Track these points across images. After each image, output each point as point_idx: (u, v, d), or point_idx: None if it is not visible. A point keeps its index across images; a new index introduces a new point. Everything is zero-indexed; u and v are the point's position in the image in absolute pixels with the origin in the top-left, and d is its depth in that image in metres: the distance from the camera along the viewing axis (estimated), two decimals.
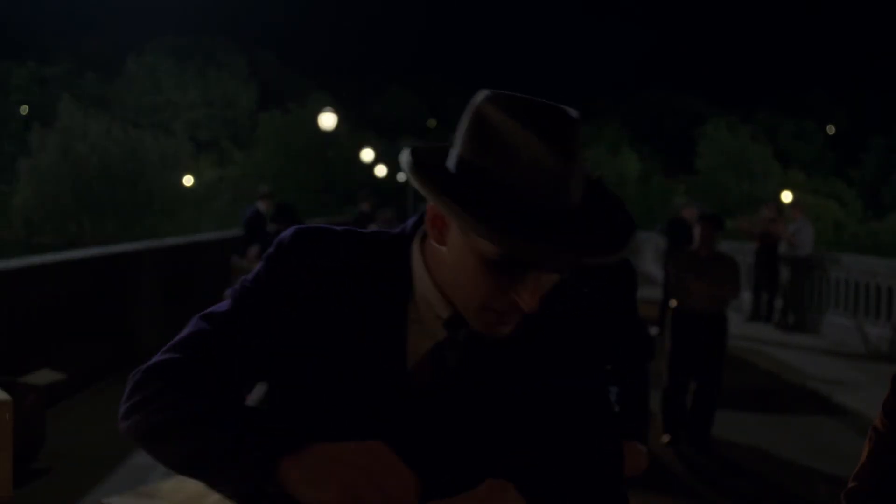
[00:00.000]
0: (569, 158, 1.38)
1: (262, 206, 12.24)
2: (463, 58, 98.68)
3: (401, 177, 58.74)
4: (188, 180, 59.40)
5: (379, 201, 21.08)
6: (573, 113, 1.47)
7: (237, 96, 70.12)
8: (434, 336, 1.54)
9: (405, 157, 1.48)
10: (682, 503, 6.34)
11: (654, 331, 11.50)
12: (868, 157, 69.18)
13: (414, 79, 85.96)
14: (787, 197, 31.66)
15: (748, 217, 18.31)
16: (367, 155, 49.65)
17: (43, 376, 6.99)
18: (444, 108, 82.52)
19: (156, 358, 1.60)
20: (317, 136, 50.85)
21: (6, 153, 62.90)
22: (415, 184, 1.42)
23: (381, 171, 55.19)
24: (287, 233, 1.59)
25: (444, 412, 1.54)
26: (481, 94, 1.45)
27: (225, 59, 71.83)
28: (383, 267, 1.56)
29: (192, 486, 4.08)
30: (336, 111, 31.69)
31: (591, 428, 1.63)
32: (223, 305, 1.65)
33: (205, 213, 56.63)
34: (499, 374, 1.55)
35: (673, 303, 7.89)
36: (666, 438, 7.69)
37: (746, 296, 16.10)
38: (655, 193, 60.92)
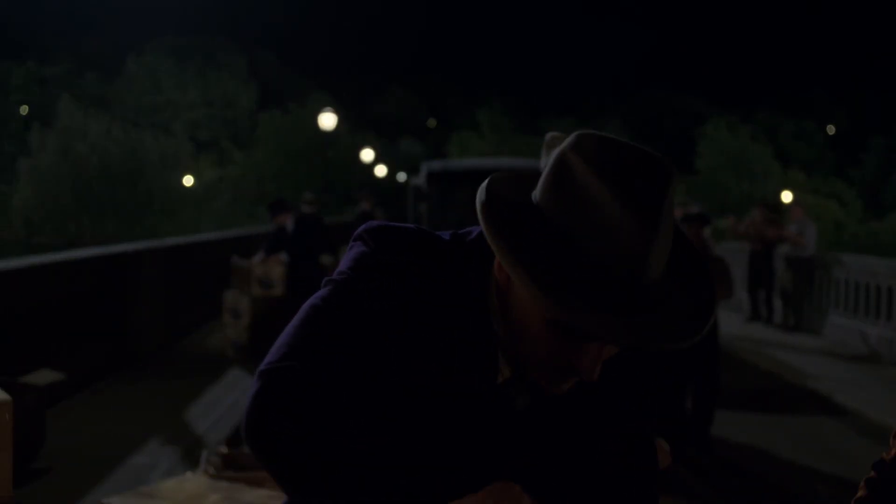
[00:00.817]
0: (654, 229, 1.27)
1: (308, 209, 12.12)
2: (463, 58, 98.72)
3: (400, 177, 58.79)
4: (188, 180, 59.40)
5: (378, 201, 21.09)
6: (668, 168, 1.33)
7: (237, 96, 70.13)
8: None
9: (481, 194, 1.37)
10: (681, 503, 6.34)
11: None
12: (868, 157, 69.20)
13: (414, 79, 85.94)
14: (787, 197, 31.64)
15: (736, 217, 18.27)
16: (367, 155, 49.66)
17: (43, 376, 6.98)
18: (444, 108, 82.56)
19: (287, 361, 1.42)
20: (317, 136, 50.87)
21: (6, 153, 62.88)
22: (482, 227, 1.34)
23: (381, 171, 55.18)
24: (376, 229, 1.53)
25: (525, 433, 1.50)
26: (571, 138, 1.36)
27: (225, 59, 71.84)
28: (471, 278, 1.49)
29: (192, 485, 4.08)
30: (336, 111, 31.70)
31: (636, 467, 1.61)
32: (324, 302, 1.48)
33: (205, 213, 56.63)
34: (560, 411, 1.51)
35: None
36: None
37: (744, 296, 16.09)
38: None
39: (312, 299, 1.50)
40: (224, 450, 4.23)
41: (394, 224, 1.54)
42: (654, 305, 1.30)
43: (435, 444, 1.46)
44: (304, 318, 1.47)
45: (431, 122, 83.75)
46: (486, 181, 1.40)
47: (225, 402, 8.79)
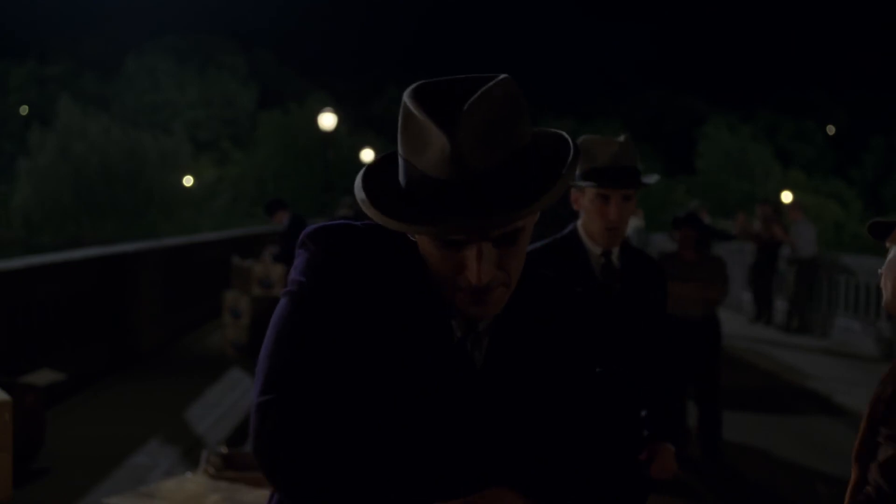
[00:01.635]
0: (457, 135, 1.39)
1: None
2: (463, 58, 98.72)
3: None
4: (188, 180, 59.40)
5: None
6: (476, 83, 1.46)
7: (237, 96, 70.15)
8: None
9: (362, 197, 1.51)
10: (681, 503, 6.34)
11: None
12: (868, 157, 69.19)
13: (413, 78, 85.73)
14: (787, 197, 31.63)
15: (743, 218, 18.24)
16: (366, 155, 49.66)
17: (43, 376, 6.98)
18: None
19: (276, 391, 1.49)
20: (316, 136, 50.88)
21: (6, 153, 62.91)
22: (365, 210, 1.49)
23: None
24: (317, 232, 1.61)
25: (488, 392, 1.59)
26: (406, 94, 1.49)
27: (224, 59, 71.86)
28: (410, 257, 1.59)
29: (192, 486, 4.07)
30: (336, 111, 31.68)
31: (604, 415, 1.69)
32: (291, 319, 1.55)
33: (204, 213, 56.64)
34: (519, 364, 1.62)
35: None
36: None
37: (747, 297, 16.08)
38: (656, 194, 60.89)
39: (276, 318, 1.56)
40: (224, 450, 4.23)
41: (330, 224, 1.62)
42: (482, 197, 1.41)
43: (421, 432, 1.53)
44: (276, 338, 1.54)
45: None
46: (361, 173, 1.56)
47: (225, 402, 8.79)
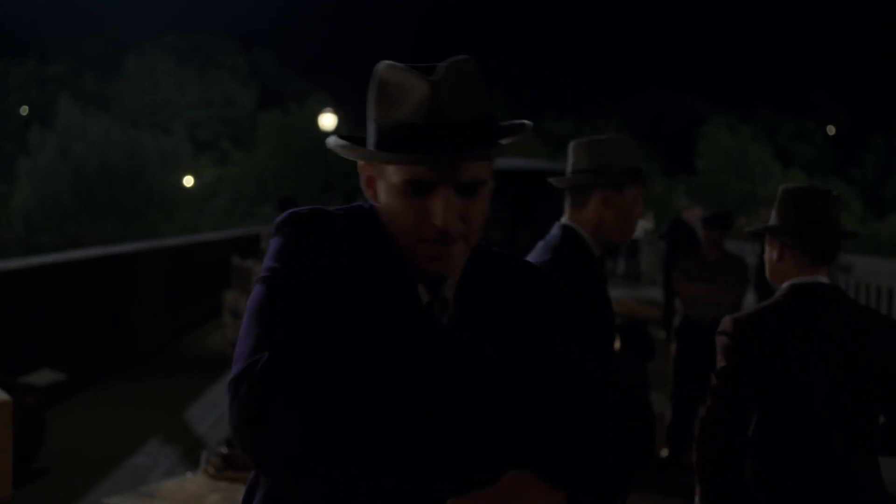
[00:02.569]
0: (438, 83, 1.57)
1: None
2: None
3: None
4: (188, 180, 59.39)
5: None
6: (463, 60, 1.64)
7: (237, 96, 70.11)
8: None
9: (332, 140, 1.71)
10: (681, 502, 6.33)
11: (661, 334, 11.36)
12: (868, 158, 69.17)
13: None
14: None
15: (744, 222, 18.22)
16: None
17: (43, 376, 6.98)
18: None
19: (262, 366, 1.53)
20: (317, 137, 50.87)
21: (6, 153, 62.89)
22: (343, 154, 1.68)
23: None
24: (289, 218, 1.70)
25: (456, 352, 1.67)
26: (378, 65, 1.70)
27: (224, 59, 71.83)
28: (376, 233, 1.70)
29: (192, 486, 4.07)
30: (336, 111, 31.68)
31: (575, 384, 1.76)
32: (264, 303, 1.62)
33: (204, 213, 56.63)
34: (484, 329, 1.71)
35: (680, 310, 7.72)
36: (665, 452, 7.36)
37: (750, 298, 16.07)
38: (656, 194, 60.95)
39: (251, 303, 1.62)
40: (224, 450, 4.22)
41: (301, 209, 1.71)
42: (449, 137, 1.57)
43: (397, 397, 1.60)
44: (251, 322, 1.60)
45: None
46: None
47: (225, 403, 8.77)
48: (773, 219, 2.95)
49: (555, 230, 3.12)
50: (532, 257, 3.00)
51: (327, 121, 30.56)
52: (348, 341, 1.59)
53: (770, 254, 2.94)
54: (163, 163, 56.04)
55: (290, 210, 1.72)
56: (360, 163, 1.70)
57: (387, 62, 1.68)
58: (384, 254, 1.67)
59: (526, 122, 1.73)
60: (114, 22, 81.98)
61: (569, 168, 3.15)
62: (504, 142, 1.65)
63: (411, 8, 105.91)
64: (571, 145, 3.19)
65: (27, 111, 69.11)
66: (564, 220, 3.12)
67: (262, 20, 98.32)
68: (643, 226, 23.82)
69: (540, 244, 3.14)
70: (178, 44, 72.01)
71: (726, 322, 2.89)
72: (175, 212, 55.12)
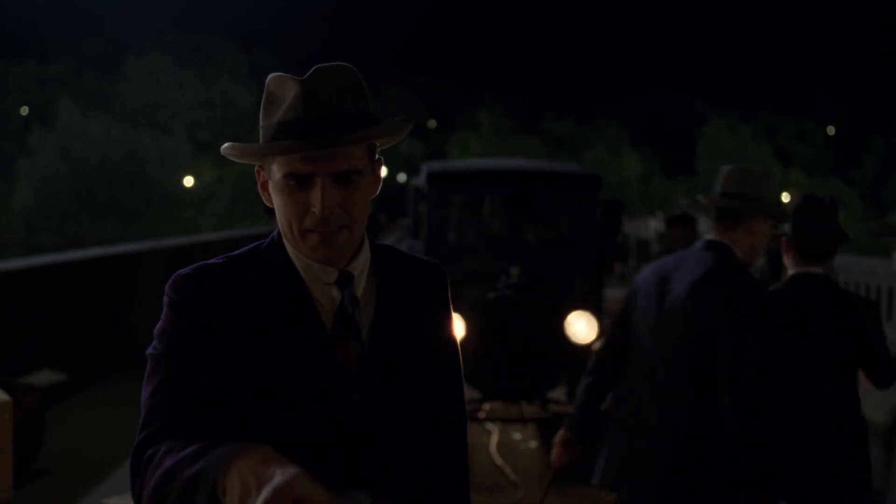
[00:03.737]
0: (306, 81, 1.71)
1: None
2: (463, 58, 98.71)
3: (401, 177, 58.81)
4: (188, 181, 59.37)
5: (380, 202, 21.18)
6: (336, 65, 1.79)
7: (237, 96, 70.10)
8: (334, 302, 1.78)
9: (227, 147, 1.79)
10: None
11: None
12: (868, 158, 69.17)
13: (414, 79, 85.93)
14: (786, 198, 31.61)
15: None
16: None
17: (43, 377, 6.99)
18: (444, 109, 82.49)
19: (138, 437, 1.69)
20: None
21: (6, 153, 62.86)
22: (228, 155, 1.78)
23: (382, 171, 55.06)
24: (171, 282, 1.81)
25: (371, 379, 1.76)
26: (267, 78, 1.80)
27: (224, 59, 71.84)
28: (271, 267, 1.80)
29: None
30: None
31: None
32: (161, 359, 1.76)
33: (205, 213, 56.61)
34: (399, 335, 1.81)
35: None
36: None
37: None
38: (656, 194, 60.94)
39: (146, 376, 1.75)
40: None
41: (187, 269, 1.81)
42: (325, 127, 1.69)
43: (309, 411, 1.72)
44: (143, 395, 1.73)
45: (431, 123, 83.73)
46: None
47: None
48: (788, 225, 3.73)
49: (709, 245, 3.43)
50: (685, 268, 3.40)
51: None
52: (245, 378, 1.71)
53: (783, 249, 3.79)
54: (163, 163, 56.03)
55: (174, 274, 1.81)
56: (256, 168, 1.79)
57: (272, 75, 1.78)
58: (281, 279, 1.78)
59: (405, 118, 1.85)
60: (114, 22, 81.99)
61: (721, 189, 3.49)
62: (371, 130, 1.73)
63: (411, 8, 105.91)
64: (728, 169, 3.54)
65: (27, 111, 69.10)
66: (712, 237, 3.45)
67: (262, 20, 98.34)
68: (654, 226, 23.81)
69: (680, 255, 3.57)
70: (178, 44, 72.01)
71: None
72: (175, 212, 55.10)
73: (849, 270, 13.74)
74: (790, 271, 3.77)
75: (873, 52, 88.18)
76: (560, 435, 3.68)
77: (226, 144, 1.76)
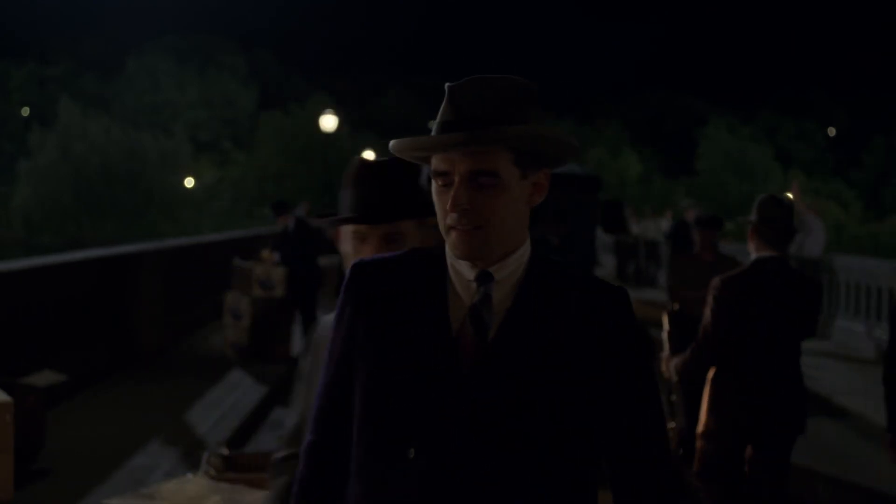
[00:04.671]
0: (453, 89, 1.82)
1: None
2: (463, 58, 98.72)
3: None
4: (188, 181, 59.36)
5: None
6: (498, 76, 1.85)
7: (237, 97, 70.12)
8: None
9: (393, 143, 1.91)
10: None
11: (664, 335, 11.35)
12: (869, 158, 69.16)
13: (414, 79, 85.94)
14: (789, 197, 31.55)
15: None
16: (368, 156, 49.53)
17: (43, 377, 6.98)
18: None
19: (307, 437, 1.99)
20: (317, 137, 50.91)
21: (6, 154, 62.93)
22: (393, 150, 1.89)
23: None
24: (350, 272, 1.97)
25: (489, 381, 1.79)
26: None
27: (225, 59, 71.85)
28: (425, 264, 1.91)
29: (193, 487, 4.07)
30: (336, 112, 31.66)
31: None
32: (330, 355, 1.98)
33: (205, 214, 56.61)
34: (531, 343, 1.81)
35: (675, 306, 7.77)
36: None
37: None
38: (656, 195, 60.89)
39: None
40: (225, 451, 4.22)
41: (366, 259, 1.98)
42: (469, 128, 1.77)
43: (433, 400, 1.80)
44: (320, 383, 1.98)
45: (432, 123, 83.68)
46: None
47: (225, 404, 8.79)
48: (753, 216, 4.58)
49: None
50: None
51: (328, 122, 30.55)
52: (381, 371, 1.85)
53: (748, 236, 4.61)
54: (163, 163, 56.01)
55: (353, 262, 1.98)
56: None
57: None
58: (431, 274, 1.90)
59: (569, 140, 1.88)
60: (114, 22, 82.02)
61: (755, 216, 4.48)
62: (494, 130, 1.76)
63: (411, 8, 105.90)
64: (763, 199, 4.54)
65: (28, 112, 69.11)
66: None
67: (262, 20, 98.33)
68: (663, 226, 23.73)
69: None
70: (179, 44, 72.04)
71: (716, 280, 4.51)
72: (175, 212, 55.09)
73: (849, 270, 13.75)
74: (753, 255, 4.54)
75: (873, 53, 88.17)
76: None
77: (393, 142, 1.89)
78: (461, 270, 1.84)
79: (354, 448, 1.86)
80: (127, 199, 53.99)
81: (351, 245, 2.62)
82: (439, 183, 1.81)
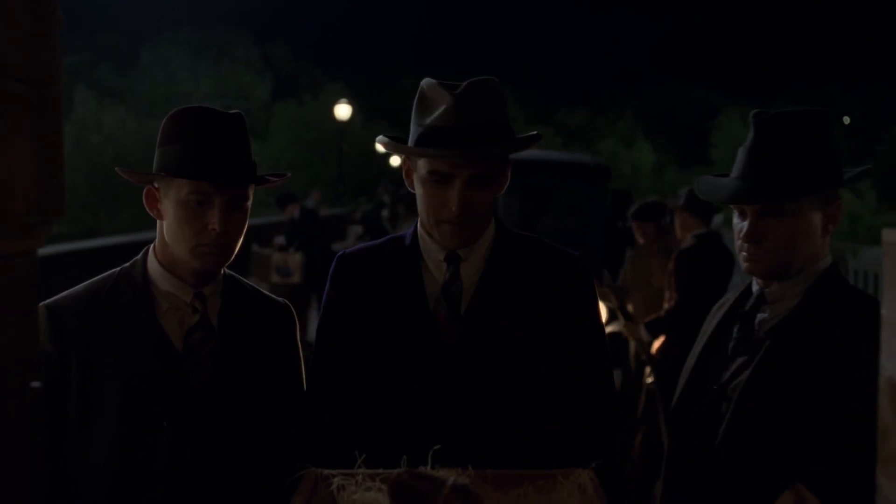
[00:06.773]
0: (459, 95, 1.93)
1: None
2: (476, 49, 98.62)
3: None
4: None
5: (398, 193, 21.51)
6: (484, 80, 1.99)
7: (251, 88, 70.23)
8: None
9: (382, 139, 2.10)
10: None
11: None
12: (883, 149, 68.85)
13: (427, 70, 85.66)
14: None
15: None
16: (380, 146, 49.54)
17: None
18: None
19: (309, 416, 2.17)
20: (331, 128, 50.99)
21: None
22: (387, 149, 2.09)
23: (395, 161, 55.24)
24: (335, 262, 2.19)
25: (464, 348, 1.98)
26: (422, 82, 2.05)
27: (239, 50, 71.98)
28: (400, 250, 2.12)
29: None
30: (350, 102, 31.75)
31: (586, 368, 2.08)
32: (321, 335, 2.20)
33: None
34: (499, 312, 2.01)
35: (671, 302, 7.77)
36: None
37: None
38: (670, 185, 60.80)
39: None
40: None
41: (347, 251, 2.26)
42: (470, 137, 1.91)
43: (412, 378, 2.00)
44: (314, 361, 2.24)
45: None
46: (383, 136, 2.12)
47: None
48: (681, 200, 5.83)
49: None
50: None
51: (342, 112, 30.64)
52: (366, 347, 2.06)
53: (676, 216, 5.79)
54: None
55: (337, 254, 2.22)
56: (402, 157, 2.09)
57: (427, 79, 2.03)
58: (406, 258, 2.09)
59: (536, 132, 2.12)
60: (129, 13, 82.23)
61: None
62: (508, 143, 1.94)
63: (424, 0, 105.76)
64: None
65: None
66: None
67: (275, 12, 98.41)
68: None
69: None
70: (193, 35, 72.18)
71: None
72: None
73: (859, 259, 13.78)
74: (691, 232, 5.58)
75: (888, 44, 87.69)
76: None
77: (381, 138, 2.09)
78: (432, 252, 2.06)
79: (347, 419, 2.06)
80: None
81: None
82: (433, 180, 1.97)
